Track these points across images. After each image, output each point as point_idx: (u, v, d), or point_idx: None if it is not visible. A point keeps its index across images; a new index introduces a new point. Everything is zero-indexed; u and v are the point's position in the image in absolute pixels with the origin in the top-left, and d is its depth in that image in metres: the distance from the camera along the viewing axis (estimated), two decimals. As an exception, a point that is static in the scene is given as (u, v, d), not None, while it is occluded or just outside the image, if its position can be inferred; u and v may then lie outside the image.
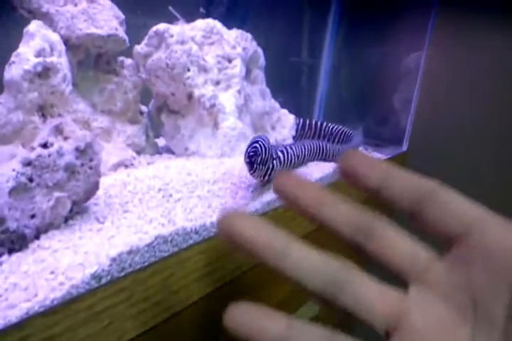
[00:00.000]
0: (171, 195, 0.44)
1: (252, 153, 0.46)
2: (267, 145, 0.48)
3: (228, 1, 0.75)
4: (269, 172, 0.50)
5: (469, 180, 0.92)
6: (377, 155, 0.83)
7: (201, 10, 0.56)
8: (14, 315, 0.26)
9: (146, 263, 0.34)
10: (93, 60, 0.53)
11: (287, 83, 0.93)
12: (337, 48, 0.93)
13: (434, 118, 0.92)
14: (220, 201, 0.45)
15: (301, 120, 0.73)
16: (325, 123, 0.75)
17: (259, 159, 0.46)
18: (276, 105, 0.68)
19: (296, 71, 0.93)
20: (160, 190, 0.45)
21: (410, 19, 0.88)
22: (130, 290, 0.33)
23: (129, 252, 0.33)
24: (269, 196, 0.48)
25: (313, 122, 0.74)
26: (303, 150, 0.60)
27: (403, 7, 0.87)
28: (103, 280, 0.31)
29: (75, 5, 0.48)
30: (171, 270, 0.36)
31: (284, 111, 0.69)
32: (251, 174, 0.48)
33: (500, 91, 0.89)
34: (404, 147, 0.93)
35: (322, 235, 0.60)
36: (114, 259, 0.32)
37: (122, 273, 0.33)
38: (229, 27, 0.62)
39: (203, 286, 0.40)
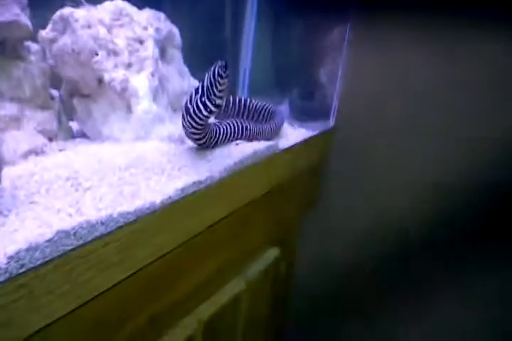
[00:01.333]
0: (80, 184, 0.45)
1: None
2: None
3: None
4: (207, 133, 0.55)
5: (398, 155, 0.95)
6: (302, 130, 0.85)
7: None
8: None
9: (47, 259, 0.35)
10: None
11: (209, 60, 0.92)
12: (259, 22, 0.92)
13: (361, 92, 0.93)
14: (132, 188, 0.46)
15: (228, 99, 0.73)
16: (249, 100, 0.75)
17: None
18: (196, 83, 0.68)
19: (218, 47, 0.93)
20: (68, 178, 0.45)
21: None
22: (31, 286, 0.34)
23: (28, 249, 0.34)
24: (183, 181, 0.50)
25: (237, 99, 0.74)
26: (231, 129, 0.62)
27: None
28: (1, 278, 0.32)
29: (-29, -10, 0.46)
30: (74, 263, 0.37)
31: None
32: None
33: (424, 63, 0.89)
34: (331, 122, 0.94)
35: (236, 220, 0.62)
36: (11, 257, 0.32)
37: (22, 269, 0.33)
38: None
39: (111, 276, 0.42)
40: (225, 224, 0.59)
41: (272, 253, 0.80)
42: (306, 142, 0.81)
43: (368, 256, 1.04)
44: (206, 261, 0.59)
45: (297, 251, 1.03)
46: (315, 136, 0.84)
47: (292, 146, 0.75)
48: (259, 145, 0.65)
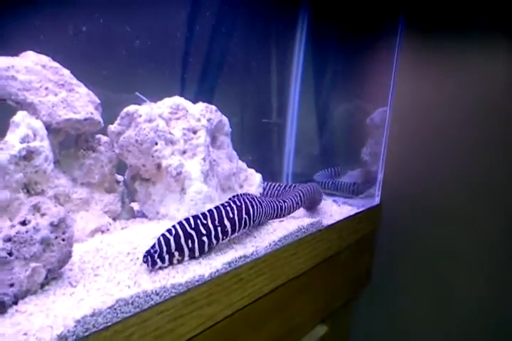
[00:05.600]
0: (138, 259, 0.50)
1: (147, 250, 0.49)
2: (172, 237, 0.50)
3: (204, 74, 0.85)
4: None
5: (444, 228, 0.96)
6: (347, 208, 0.88)
7: (137, 93, 0.63)
8: (-12, 374, 0.31)
9: (108, 324, 0.40)
10: (74, 139, 0.61)
11: (257, 142, 1.01)
12: (303, 104, 1.01)
13: (405, 170, 0.96)
14: (184, 262, 0.51)
15: (269, 184, 0.80)
16: (290, 184, 0.81)
17: (157, 255, 0.49)
18: (244, 166, 0.75)
19: (266, 131, 1.01)
20: (128, 253, 0.51)
21: (373, 77, 0.95)
22: (93, 349, 0.38)
23: (92, 314, 0.38)
24: (231, 256, 0.54)
25: (276, 184, 0.81)
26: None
27: (364, 66, 0.95)
28: (69, 340, 0.37)
29: (56, 94, 0.55)
30: (132, 329, 0.41)
31: (251, 170, 0.76)
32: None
33: (467, 135, 0.92)
34: (377, 200, 0.97)
35: (282, 295, 0.64)
36: (78, 321, 0.37)
37: (86, 333, 0.38)
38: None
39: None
40: (271, 298, 0.62)
41: (320, 330, 0.81)
42: (350, 219, 0.83)
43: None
44: (254, 334, 0.61)
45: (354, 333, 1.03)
46: (359, 213, 0.87)
47: (336, 223, 0.78)
48: (303, 222, 0.69)
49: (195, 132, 0.64)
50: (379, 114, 0.96)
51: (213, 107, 0.69)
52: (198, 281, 0.49)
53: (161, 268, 0.49)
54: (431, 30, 0.92)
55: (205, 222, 0.52)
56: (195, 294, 0.48)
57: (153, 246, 0.49)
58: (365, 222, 0.91)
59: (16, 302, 0.40)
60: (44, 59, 0.57)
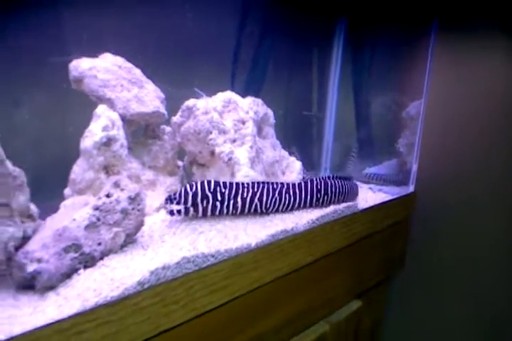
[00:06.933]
0: (196, 229, 0.60)
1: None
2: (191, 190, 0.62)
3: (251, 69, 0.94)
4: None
5: (477, 218, 0.99)
6: (381, 194, 0.95)
7: (195, 89, 0.72)
8: (88, 305, 0.42)
9: (175, 276, 0.50)
10: (143, 129, 0.71)
11: (298, 134, 1.09)
12: (341, 101, 1.08)
13: (439, 161, 1.01)
14: (234, 233, 0.61)
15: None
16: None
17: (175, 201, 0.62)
18: (286, 154, 0.84)
19: (306, 123, 1.10)
20: (188, 225, 0.61)
21: (408, 71, 1.01)
22: (164, 295, 0.48)
23: (163, 268, 0.48)
24: (274, 229, 0.63)
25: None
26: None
27: (399, 61, 1.01)
28: (145, 286, 0.46)
29: (129, 91, 0.65)
30: (192, 282, 0.51)
31: (292, 158, 0.85)
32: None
33: (501, 127, 0.95)
34: (411, 188, 1.02)
35: (318, 268, 0.71)
36: (152, 272, 0.47)
37: (158, 282, 0.48)
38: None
39: (219, 297, 0.55)
40: (308, 271, 0.70)
41: (354, 305, 0.88)
42: (384, 205, 0.90)
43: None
44: (294, 300, 0.70)
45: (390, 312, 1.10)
46: (393, 200, 0.94)
47: (371, 207, 0.85)
48: (340, 205, 0.77)
49: (243, 123, 0.74)
50: (414, 107, 1.02)
51: (260, 101, 0.78)
52: (246, 248, 0.58)
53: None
54: (464, 30, 0.96)
55: (223, 190, 0.64)
56: (243, 259, 0.57)
57: (174, 194, 0.63)
58: (399, 208, 0.97)
59: (102, 258, 0.50)
60: (119, 60, 0.67)
